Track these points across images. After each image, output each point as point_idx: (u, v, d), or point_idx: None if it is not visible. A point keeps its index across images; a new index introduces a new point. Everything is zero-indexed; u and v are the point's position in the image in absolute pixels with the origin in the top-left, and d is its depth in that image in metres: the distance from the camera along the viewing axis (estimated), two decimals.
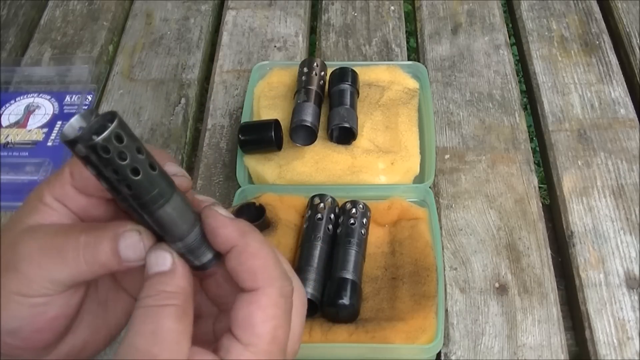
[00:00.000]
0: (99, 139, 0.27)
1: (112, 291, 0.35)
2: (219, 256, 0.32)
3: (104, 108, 0.66)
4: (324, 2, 0.77)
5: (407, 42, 0.72)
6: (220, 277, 0.34)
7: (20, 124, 0.65)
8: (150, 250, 0.31)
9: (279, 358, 0.31)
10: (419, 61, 0.69)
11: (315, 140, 0.56)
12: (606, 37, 0.70)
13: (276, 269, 0.31)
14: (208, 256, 0.32)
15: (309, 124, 0.56)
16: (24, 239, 0.31)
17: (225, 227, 0.32)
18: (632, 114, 0.63)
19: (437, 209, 0.55)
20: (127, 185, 0.28)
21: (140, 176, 0.29)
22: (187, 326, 0.30)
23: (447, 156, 0.61)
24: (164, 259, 0.31)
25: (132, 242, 0.31)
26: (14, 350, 0.32)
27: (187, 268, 0.31)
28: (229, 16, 0.75)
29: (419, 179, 0.57)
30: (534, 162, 0.60)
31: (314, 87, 0.59)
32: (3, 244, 0.32)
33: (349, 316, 0.47)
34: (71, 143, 0.27)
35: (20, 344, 0.31)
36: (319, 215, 0.51)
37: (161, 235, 0.32)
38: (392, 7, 0.76)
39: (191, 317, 0.30)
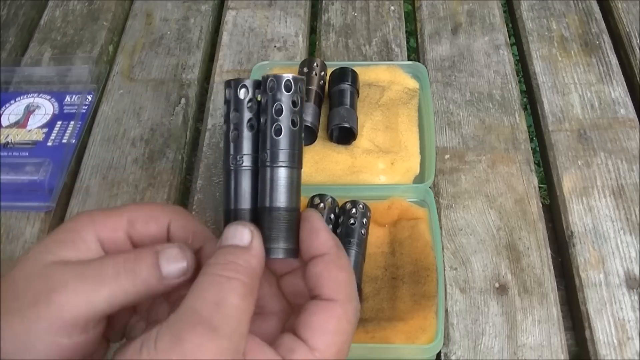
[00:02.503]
0: (290, 75, 0.31)
1: None
2: (286, 253, 0.32)
3: (104, 108, 0.67)
4: (324, 2, 0.77)
5: (407, 42, 0.72)
6: (300, 274, 0.34)
7: (20, 124, 0.65)
8: (231, 224, 0.31)
9: None
10: (419, 61, 0.69)
11: (315, 140, 0.56)
12: (606, 37, 0.70)
13: (355, 289, 0.32)
14: (278, 244, 0.32)
15: (309, 124, 0.56)
16: (57, 269, 0.29)
17: (327, 232, 0.32)
18: (632, 114, 0.63)
19: (437, 209, 0.55)
20: (277, 130, 0.31)
21: (296, 128, 0.32)
22: (250, 306, 0.29)
23: (447, 156, 0.61)
24: (243, 234, 0.31)
25: (172, 254, 0.30)
26: None
27: (263, 252, 0.31)
28: (229, 16, 0.75)
29: (419, 179, 0.57)
30: (534, 162, 0.60)
31: (314, 87, 0.59)
32: (31, 274, 0.29)
33: None
34: (233, 84, 0.31)
35: None
36: None
37: (255, 202, 0.31)
38: (392, 7, 0.76)
39: (254, 299, 0.30)
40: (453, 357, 0.49)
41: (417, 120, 0.60)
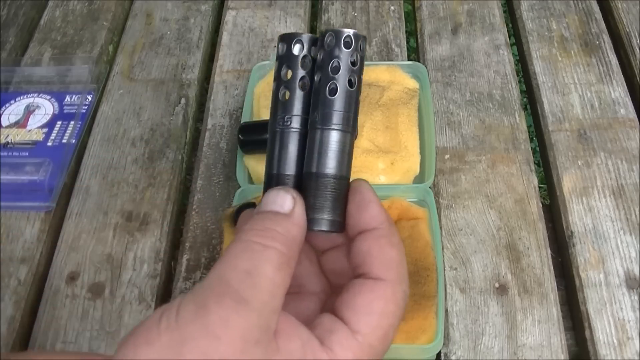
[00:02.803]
0: (351, 31, 0.28)
1: None
2: (332, 225, 0.29)
3: (104, 108, 0.67)
4: (324, 2, 0.77)
5: (407, 42, 0.72)
6: (344, 251, 0.31)
7: (20, 124, 0.65)
8: (272, 188, 0.28)
9: None
10: (419, 61, 0.69)
11: None
12: (606, 37, 0.70)
13: (406, 271, 0.29)
14: (322, 215, 0.28)
15: None
16: None
17: (379, 206, 0.29)
18: (632, 114, 0.63)
19: (437, 209, 0.55)
20: (331, 89, 0.28)
21: (353, 88, 0.28)
22: (286, 279, 0.26)
23: (447, 156, 0.61)
24: (284, 200, 0.28)
25: None
26: None
27: (305, 221, 0.28)
28: (229, 16, 0.75)
29: (419, 179, 0.57)
30: (534, 162, 0.60)
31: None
32: None
33: None
34: (287, 38, 0.29)
35: None
36: None
37: (300, 167, 0.29)
38: (392, 7, 0.76)
39: (291, 272, 0.27)
40: (453, 357, 0.49)
41: (417, 120, 0.60)
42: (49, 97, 0.68)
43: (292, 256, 0.27)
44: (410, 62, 0.65)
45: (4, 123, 0.65)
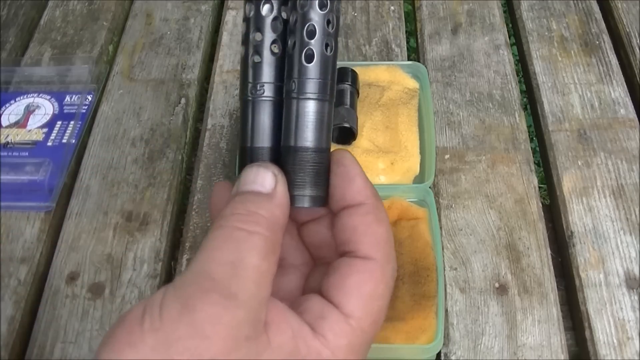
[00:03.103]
0: None
1: None
2: (315, 201, 0.27)
3: (104, 108, 0.67)
4: None
5: (407, 42, 0.72)
6: (325, 223, 0.29)
7: (20, 124, 0.65)
8: (251, 165, 0.26)
9: (363, 354, 0.26)
10: (419, 61, 0.69)
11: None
12: (606, 37, 0.70)
13: (393, 248, 0.27)
14: (304, 191, 0.27)
15: None
16: None
17: (364, 179, 0.27)
18: (632, 114, 0.63)
19: (437, 209, 0.55)
20: (308, 55, 0.26)
21: (330, 53, 0.26)
22: (272, 267, 0.25)
23: (447, 156, 0.61)
24: (265, 179, 0.26)
25: None
26: None
27: (288, 200, 0.26)
28: (229, 16, 0.75)
29: (419, 179, 0.57)
30: (534, 162, 0.60)
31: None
32: None
33: None
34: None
35: None
36: None
37: (277, 139, 0.27)
38: (392, 7, 0.76)
39: (277, 257, 0.25)
40: (453, 357, 0.49)
41: (417, 120, 0.60)
42: (49, 97, 0.68)
43: (277, 240, 0.25)
44: (410, 62, 0.65)
45: (4, 123, 0.65)
